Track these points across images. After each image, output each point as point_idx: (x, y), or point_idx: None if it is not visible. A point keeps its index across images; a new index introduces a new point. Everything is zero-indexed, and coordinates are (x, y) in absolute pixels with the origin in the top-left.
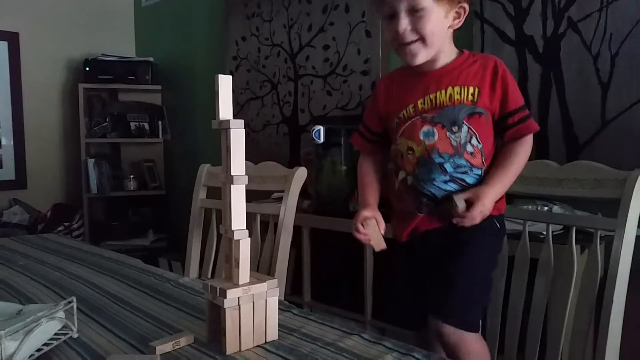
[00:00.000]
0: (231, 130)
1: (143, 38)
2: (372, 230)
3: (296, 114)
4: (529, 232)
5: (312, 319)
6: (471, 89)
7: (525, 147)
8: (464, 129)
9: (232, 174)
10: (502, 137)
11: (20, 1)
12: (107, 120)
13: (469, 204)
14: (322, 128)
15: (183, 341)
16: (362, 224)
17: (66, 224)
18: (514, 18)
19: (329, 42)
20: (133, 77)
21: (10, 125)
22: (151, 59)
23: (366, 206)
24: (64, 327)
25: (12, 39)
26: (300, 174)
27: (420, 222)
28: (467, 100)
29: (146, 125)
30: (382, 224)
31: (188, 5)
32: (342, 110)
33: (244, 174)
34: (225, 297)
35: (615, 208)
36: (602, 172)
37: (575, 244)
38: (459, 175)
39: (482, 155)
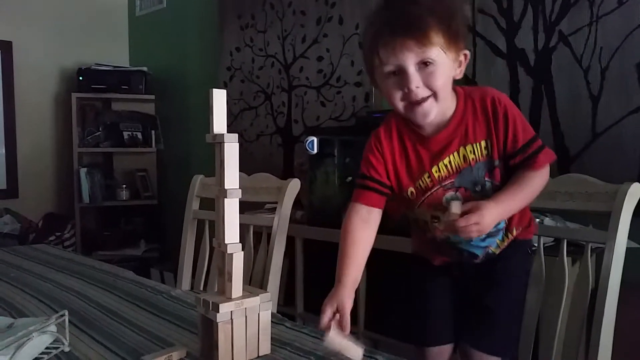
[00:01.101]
0: (225, 144)
1: (137, 48)
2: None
3: (290, 125)
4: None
5: (305, 332)
6: (483, 143)
7: (542, 177)
8: (487, 185)
9: (225, 187)
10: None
11: (13, 10)
12: (100, 129)
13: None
14: (315, 139)
15: (175, 355)
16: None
17: (58, 233)
18: (505, 31)
19: (322, 54)
20: (126, 87)
21: (2, 134)
22: (145, 68)
23: (338, 287)
24: (56, 340)
25: (5, 48)
26: (294, 186)
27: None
28: (482, 156)
29: (139, 135)
30: (346, 322)
31: (182, 15)
32: (336, 121)
33: (238, 187)
34: (218, 312)
35: (606, 220)
36: (593, 186)
37: (567, 256)
38: (493, 229)
39: None
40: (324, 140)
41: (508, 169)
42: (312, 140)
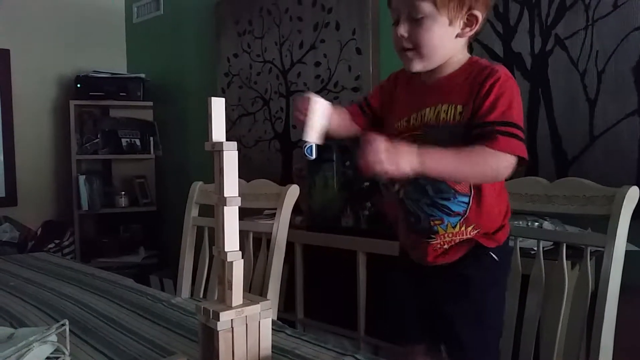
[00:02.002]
0: (224, 152)
1: (134, 54)
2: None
3: (288, 130)
4: (520, 248)
5: (306, 339)
6: (459, 108)
7: (497, 160)
8: None
9: (225, 195)
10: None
11: (11, 18)
12: (98, 136)
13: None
14: (314, 144)
15: None
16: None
17: (57, 241)
18: (502, 35)
19: (320, 59)
20: (124, 94)
21: (1, 141)
22: (143, 75)
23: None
24: (56, 350)
25: (3, 55)
26: (293, 192)
27: (432, 256)
28: (453, 119)
29: (137, 142)
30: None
31: (179, 22)
32: None
33: (237, 195)
34: (219, 320)
35: (605, 223)
36: (591, 189)
37: (566, 259)
38: (441, 201)
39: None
40: (323, 145)
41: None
42: (311, 146)
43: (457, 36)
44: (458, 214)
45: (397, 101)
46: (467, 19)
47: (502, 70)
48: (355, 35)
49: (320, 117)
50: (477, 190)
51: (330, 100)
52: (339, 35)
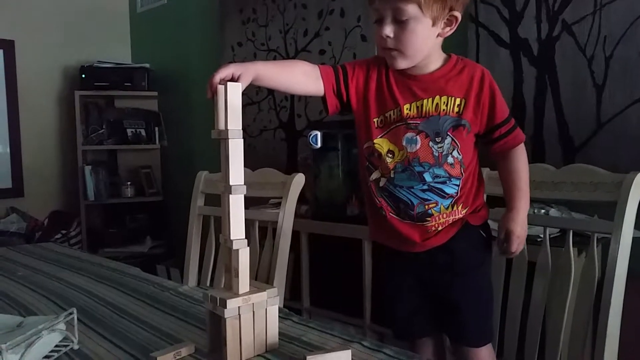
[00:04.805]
0: (230, 140)
1: (139, 44)
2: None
3: (293, 119)
4: (527, 235)
5: (312, 326)
6: (457, 100)
7: (523, 158)
8: (447, 140)
9: (231, 183)
10: (489, 148)
11: (15, 9)
12: (104, 127)
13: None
14: (319, 133)
15: (184, 351)
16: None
17: (63, 231)
18: (508, 21)
19: (324, 47)
20: (129, 84)
21: (7, 133)
22: (147, 65)
23: (255, 63)
24: (65, 338)
25: (8, 46)
26: (299, 181)
27: (422, 238)
28: (452, 111)
29: (143, 132)
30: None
31: (183, 11)
32: (339, 115)
33: (243, 183)
34: (226, 307)
35: (612, 210)
36: (598, 176)
37: (573, 246)
38: (437, 185)
39: (461, 166)
40: (328, 134)
41: (474, 146)
42: (316, 135)
43: (438, 35)
44: (451, 196)
45: (382, 94)
46: (447, 19)
47: (480, 65)
48: (360, 22)
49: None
50: (466, 171)
51: None
52: (344, 23)
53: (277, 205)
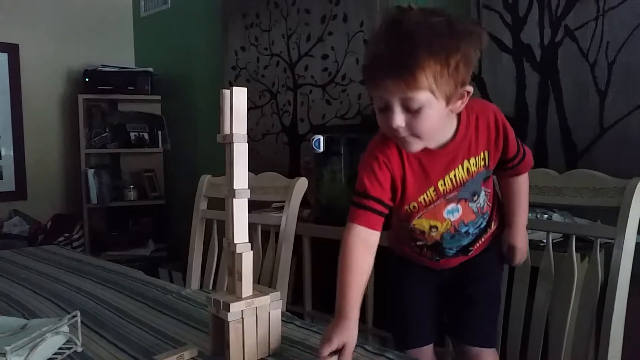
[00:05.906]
0: (234, 144)
1: (142, 48)
2: None
3: (295, 124)
4: (529, 240)
5: (315, 330)
6: (481, 155)
7: (526, 176)
8: (482, 194)
9: (234, 187)
10: (499, 174)
11: (20, 13)
12: (107, 130)
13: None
14: (321, 137)
15: (187, 354)
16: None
17: (66, 234)
18: (511, 27)
19: (327, 52)
20: (132, 88)
21: (10, 136)
22: (150, 69)
23: (343, 319)
24: (68, 341)
25: (12, 50)
26: (301, 185)
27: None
28: (480, 167)
29: (146, 135)
30: (348, 357)
31: (187, 15)
32: (342, 119)
33: (247, 187)
34: (229, 311)
35: (615, 215)
36: (601, 181)
37: (576, 251)
38: (478, 231)
39: (491, 200)
40: (330, 138)
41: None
42: (319, 139)
43: (450, 110)
44: (487, 226)
45: (412, 181)
46: (459, 94)
47: (491, 106)
48: (363, 27)
49: None
50: (492, 199)
51: (337, 94)
52: (347, 28)
53: (280, 209)
